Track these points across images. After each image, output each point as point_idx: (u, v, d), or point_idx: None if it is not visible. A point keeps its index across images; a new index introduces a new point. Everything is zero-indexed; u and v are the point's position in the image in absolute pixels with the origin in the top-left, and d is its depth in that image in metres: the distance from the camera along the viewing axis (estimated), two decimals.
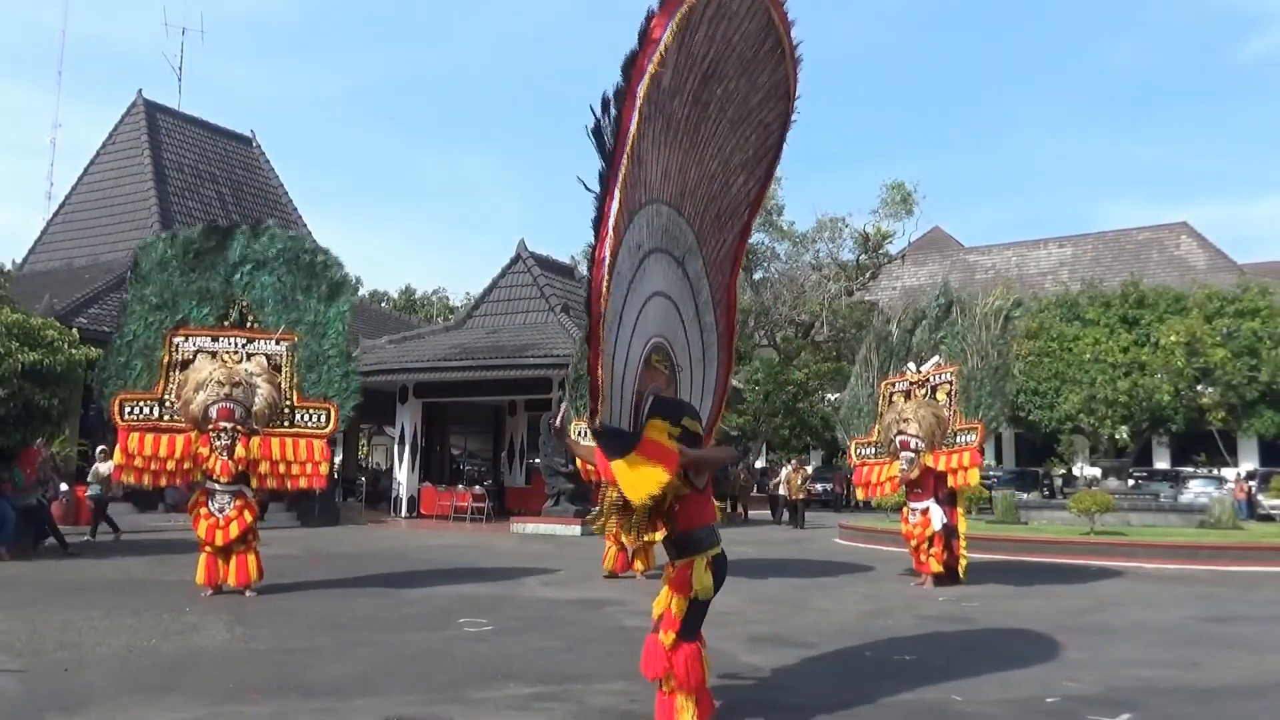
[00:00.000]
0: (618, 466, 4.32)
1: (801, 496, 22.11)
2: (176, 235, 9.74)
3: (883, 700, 5.43)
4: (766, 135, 5.29)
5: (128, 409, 9.09)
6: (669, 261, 4.79)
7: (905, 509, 11.51)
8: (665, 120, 4.36)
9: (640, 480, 4.30)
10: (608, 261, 4.00)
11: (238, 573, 9.13)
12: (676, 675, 4.52)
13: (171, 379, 9.24)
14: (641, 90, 3.97)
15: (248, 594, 9.08)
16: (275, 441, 9.32)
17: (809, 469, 35.46)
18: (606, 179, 3.96)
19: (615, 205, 3.98)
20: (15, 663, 6.01)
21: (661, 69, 4.05)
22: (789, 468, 23.38)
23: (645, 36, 3.99)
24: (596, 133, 3.94)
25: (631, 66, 3.97)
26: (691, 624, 4.60)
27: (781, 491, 22.85)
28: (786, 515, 22.64)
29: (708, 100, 4.60)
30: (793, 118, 5.32)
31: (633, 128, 3.97)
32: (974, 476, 11.20)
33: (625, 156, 3.97)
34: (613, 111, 3.94)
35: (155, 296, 9.34)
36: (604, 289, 3.99)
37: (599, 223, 3.99)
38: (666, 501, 4.59)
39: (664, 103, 4.27)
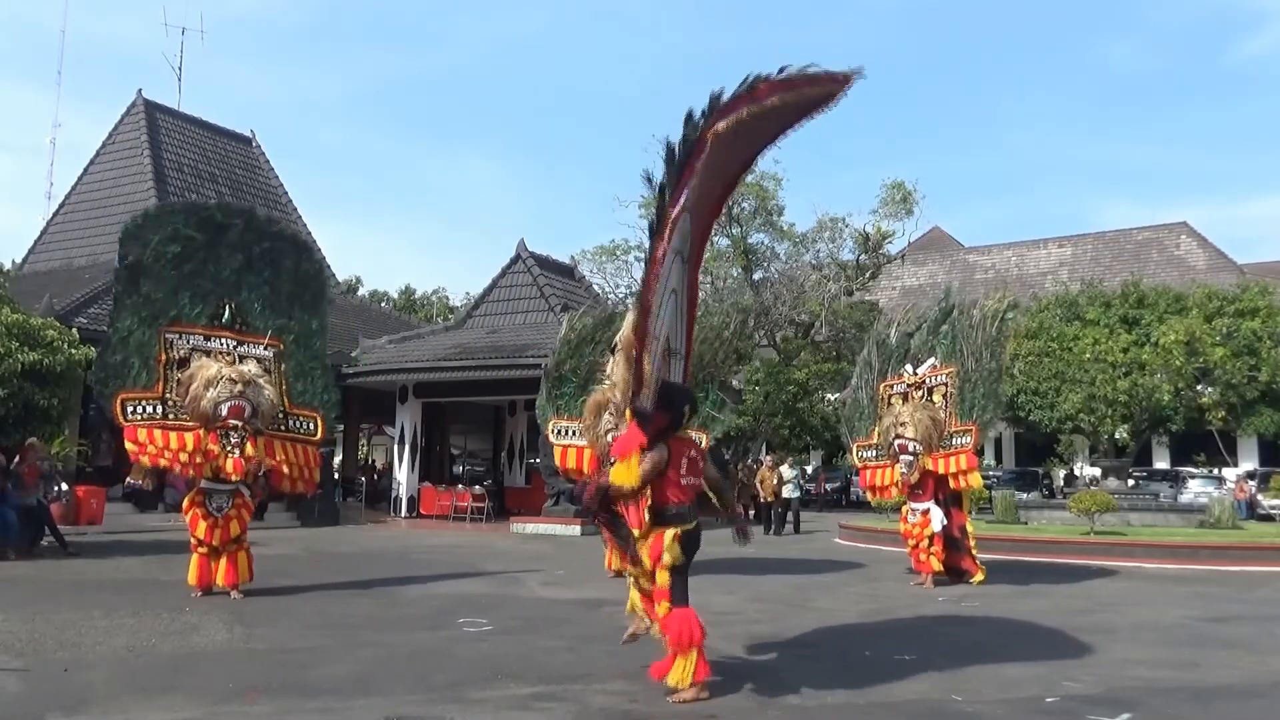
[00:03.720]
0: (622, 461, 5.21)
1: (773, 499, 20.34)
2: (164, 219, 9.45)
3: (883, 700, 5.44)
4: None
5: (130, 408, 9.01)
6: (679, 259, 5.35)
7: (905, 509, 11.58)
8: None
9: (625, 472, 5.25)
10: (662, 262, 4.85)
11: (227, 573, 9.04)
12: (670, 637, 5.22)
13: (170, 378, 9.19)
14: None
15: (234, 595, 8.93)
16: (278, 443, 9.37)
17: (808, 469, 35.60)
18: (673, 189, 4.76)
19: (677, 208, 4.81)
20: (15, 662, 6.00)
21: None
22: (763, 466, 21.57)
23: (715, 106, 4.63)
24: (669, 153, 4.72)
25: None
26: (678, 592, 5.29)
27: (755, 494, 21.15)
28: (779, 519, 20.57)
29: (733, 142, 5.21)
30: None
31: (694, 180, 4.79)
32: (975, 479, 11.27)
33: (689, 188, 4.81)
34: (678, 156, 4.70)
35: (148, 289, 9.18)
36: (655, 287, 4.89)
37: (658, 226, 4.82)
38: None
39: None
